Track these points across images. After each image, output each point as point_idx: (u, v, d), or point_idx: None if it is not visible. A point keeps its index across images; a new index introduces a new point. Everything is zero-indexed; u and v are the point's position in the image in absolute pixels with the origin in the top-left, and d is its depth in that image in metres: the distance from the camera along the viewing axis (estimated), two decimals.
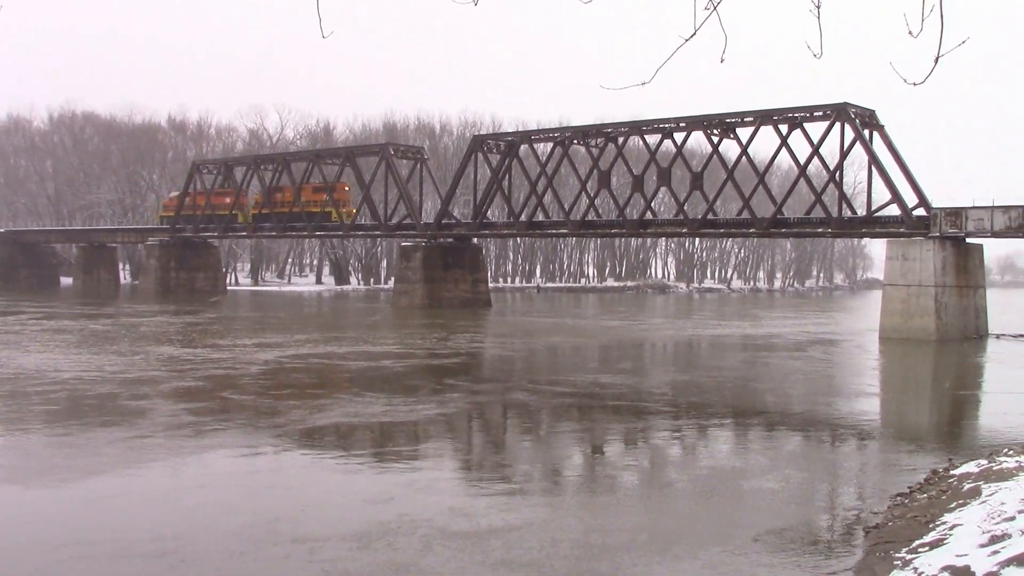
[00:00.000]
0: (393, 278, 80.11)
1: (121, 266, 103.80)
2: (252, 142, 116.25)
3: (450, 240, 64.90)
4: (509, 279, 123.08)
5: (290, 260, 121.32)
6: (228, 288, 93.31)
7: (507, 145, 62.26)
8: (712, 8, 5.19)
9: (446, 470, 14.72)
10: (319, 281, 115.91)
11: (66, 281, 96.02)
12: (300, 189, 71.35)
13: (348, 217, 69.98)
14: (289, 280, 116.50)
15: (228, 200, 77.57)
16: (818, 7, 5.14)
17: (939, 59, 5.00)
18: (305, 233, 76.36)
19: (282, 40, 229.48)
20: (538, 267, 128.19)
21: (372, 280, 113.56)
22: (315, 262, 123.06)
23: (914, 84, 5.40)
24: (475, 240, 67.73)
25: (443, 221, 63.20)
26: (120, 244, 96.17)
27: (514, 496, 12.67)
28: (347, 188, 74.43)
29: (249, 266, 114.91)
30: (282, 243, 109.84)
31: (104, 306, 59.53)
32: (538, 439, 17.58)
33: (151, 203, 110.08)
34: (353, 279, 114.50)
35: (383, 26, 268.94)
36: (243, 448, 15.54)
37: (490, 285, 75.59)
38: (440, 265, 64.03)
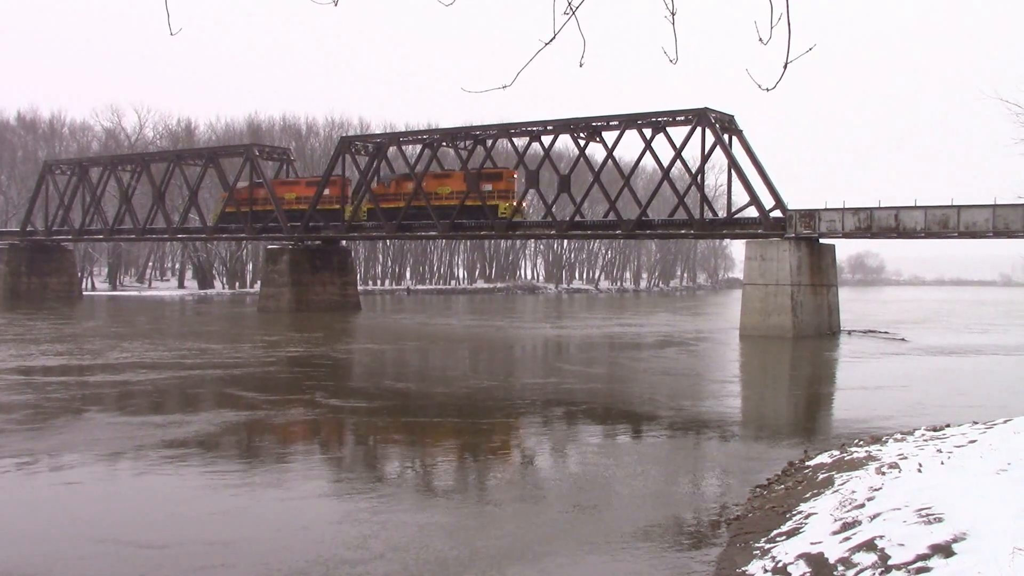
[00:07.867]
0: (260, 282, 77.89)
1: None
2: (109, 142, 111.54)
3: (318, 243, 63.92)
4: (379, 281, 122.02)
5: (150, 264, 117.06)
6: (84, 293, 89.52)
7: (375, 147, 61.68)
8: (571, 13, 5.25)
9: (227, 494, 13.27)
10: (181, 285, 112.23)
11: None
12: (447, 178, 58.65)
13: (511, 211, 55.35)
14: (150, 285, 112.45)
15: (305, 193, 63.26)
16: (673, 14, 5.25)
17: (787, 65, 5.18)
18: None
19: (142, 36, 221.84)
20: (408, 269, 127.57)
21: (237, 284, 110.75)
22: (177, 266, 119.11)
23: (766, 90, 5.59)
24: (344, 242, 66.82)
25: (310, 224, 62.19)
26: None
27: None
28: (515, 176, 57.19)
29: (107, 270, 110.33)
30: (141, 246, 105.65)
31: None
32: (399, 446, 17.44)
33: None
34: (217, 283, 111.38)
35: (246, 25, 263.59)
36: None
37: (359, 288, 74.80)
38: (308, 268, 62.98)
